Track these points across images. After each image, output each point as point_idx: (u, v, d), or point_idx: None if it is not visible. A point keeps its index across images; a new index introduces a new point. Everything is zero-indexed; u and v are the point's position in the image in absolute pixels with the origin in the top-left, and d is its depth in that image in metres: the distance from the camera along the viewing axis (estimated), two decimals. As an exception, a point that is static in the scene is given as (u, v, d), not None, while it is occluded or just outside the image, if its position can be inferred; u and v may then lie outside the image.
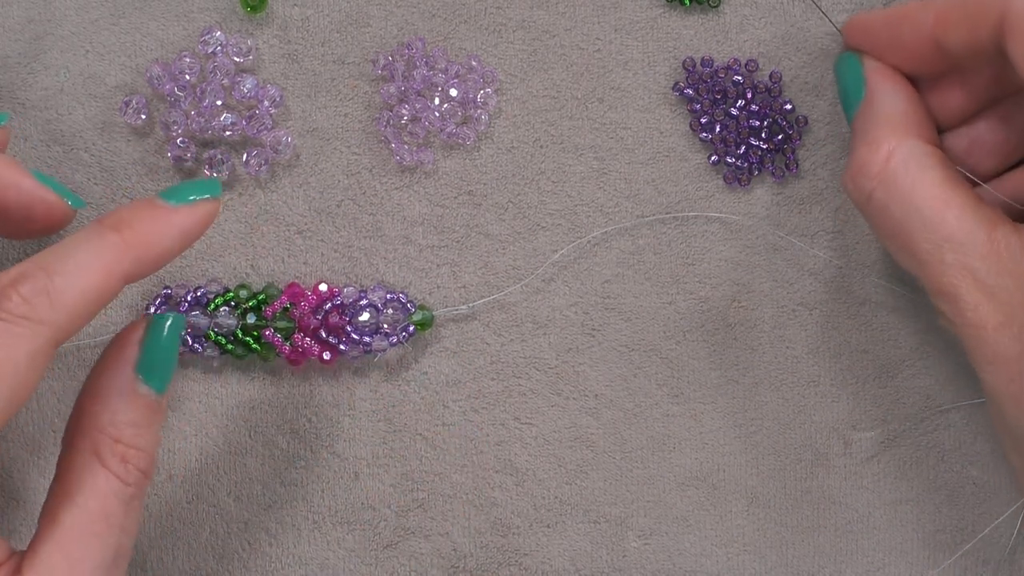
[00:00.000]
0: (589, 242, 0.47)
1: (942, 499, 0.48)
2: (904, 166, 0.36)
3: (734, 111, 0.47)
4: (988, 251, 0.35)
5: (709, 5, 0.48)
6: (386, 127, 0.47)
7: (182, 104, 0.47)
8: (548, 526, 0.47)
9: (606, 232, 0.48)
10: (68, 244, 0.33)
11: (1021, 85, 0.39)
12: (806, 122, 0.48)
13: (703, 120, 0.47)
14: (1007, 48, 0.34)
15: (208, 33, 0.47)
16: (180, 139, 0.47)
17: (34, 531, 0.34)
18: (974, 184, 0.40)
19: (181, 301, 0.46)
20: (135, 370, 0.35)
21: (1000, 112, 0.41)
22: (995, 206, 0.38)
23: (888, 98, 0.38)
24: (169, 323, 0.36)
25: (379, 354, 0.47)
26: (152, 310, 0.46)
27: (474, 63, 0.47)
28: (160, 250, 0.35)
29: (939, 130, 0.41)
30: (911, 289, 0.48)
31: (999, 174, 0.41)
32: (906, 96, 0.39)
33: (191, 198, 0.36)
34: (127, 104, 0.47)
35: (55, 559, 0.33)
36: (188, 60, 0.47)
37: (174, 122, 0.47)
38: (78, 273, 0.33)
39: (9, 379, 0.31)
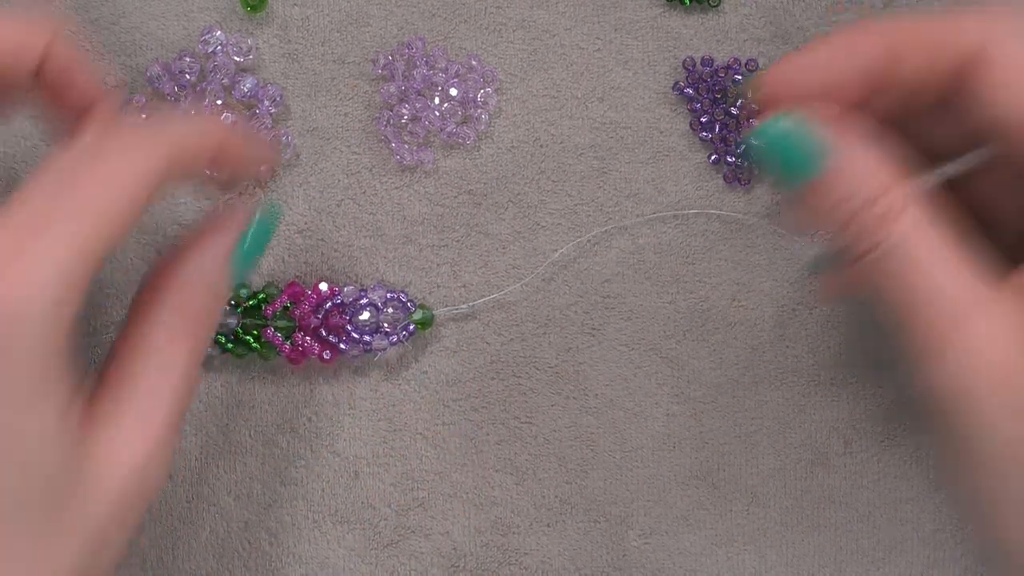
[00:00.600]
0: (589, 241, 0.48)
1: (942, 499, 0.48)
2: (913, 218, 0.33)
3: (734, 111, 0.47)
4: (985, 313, 0.32)
5: (709, 5, 0.48)
6: (386, 127, 0.47)
7: (182, 104, 0.47)
8: (548, 525, 0.47)
9: (606, 231, 0.48)
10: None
11: (972, 126, 0.35)
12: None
13: (703, 120, 0.47)
14: (977, 88, 0.32)
15: (208, 33, 0.47)
16: (180, 139, 0.47)
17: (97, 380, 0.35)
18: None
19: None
20: (229, 252, 0.37)
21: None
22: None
23: (865, 149, 0.34)
24: (268, 221, 0.38)
25: (379, 353, 0.47)
26: None
27: (474, 63, 0.47)
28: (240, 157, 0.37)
29: None
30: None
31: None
32: (878, 144, 0.34)
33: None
34: (127, 104, 0.47)
35: (127, 413, 0.34)
36: (188, 60, 0.47)
37: (174, 122, 0.47)
38: (187, 118, 0.35)
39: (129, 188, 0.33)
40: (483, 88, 0.47)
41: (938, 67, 0.32)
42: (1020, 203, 0.38)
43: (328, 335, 0.46)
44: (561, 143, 0.48)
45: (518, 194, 0.48)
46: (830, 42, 0.33)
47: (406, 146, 0.47)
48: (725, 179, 0.48)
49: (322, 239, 0.47)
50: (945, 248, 0.33)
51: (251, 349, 0.46)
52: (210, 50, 0.47)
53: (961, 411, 0.33)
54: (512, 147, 0.48)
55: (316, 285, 0.46)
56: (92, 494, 0.33)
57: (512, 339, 0.47)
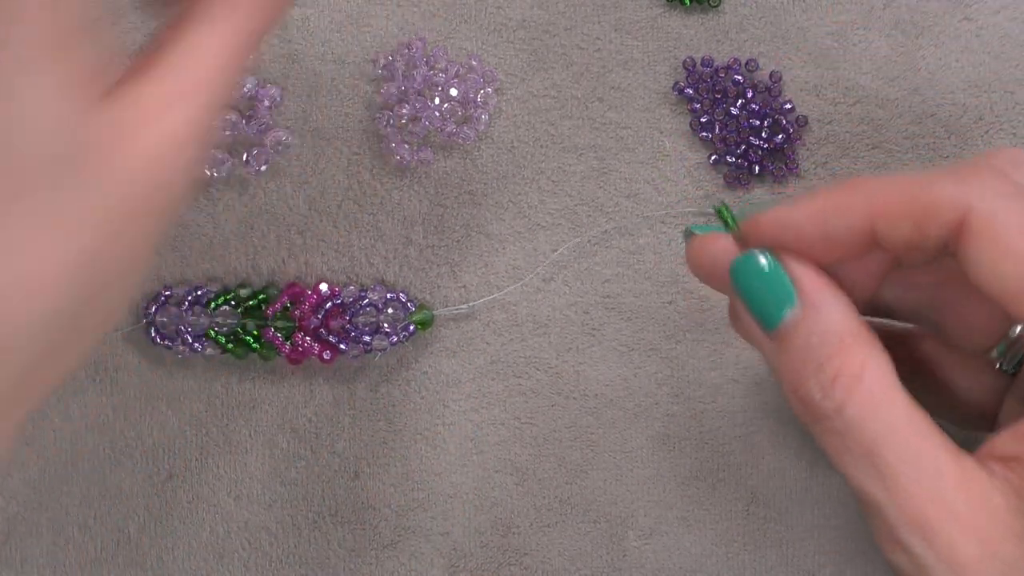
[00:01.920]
0: (589, 240, 0.47)
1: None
2: (882, 383, 0.32)
3: (734, 111, 0.47)
4: (958, 483, 0.31)
5: (709, 5, 0.48)
6: (386, 127, 0.47)
7: (182, 104, 0.47)
8: (548, 526, 0.47)
9: (606, 231, 0.48)
10: None
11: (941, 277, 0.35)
12: (806, 122, 0.48)
13: (703, 120, 0.47)
14: (963, 252, 0.31)
15: (208, 33, 0.47)
16: (180, 139, 0.47)
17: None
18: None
19: (181, 301, 0.46)
20: None
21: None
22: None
23: (838, 303, 0.33)
24: None
25: (379, 354, 0.47)
26: (153, 309, 0.46)
27: (474, 63, 0.47)
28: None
29: None
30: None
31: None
32: (848, 302, 0.34)
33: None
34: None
35: (153, 88, 0.31)
36: (188, 60, 0.47)
37: (174, 122, 0.47)
38: None
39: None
40: (483, 88, 0.47)
41: (924, 235, 0.31)
42: (974, 379, 0.37)
43: (328, 335, 0.46)
44: (561, 143, 0.48)
45: (518, 194, 0.48)
46: (818, 200, 0.33)
47: (406, 146, 0.47)
48: (725, 180, 0.48)
49: (322, 239, 0.47)
50: (908, 419, 0.32)
51: (251, 349, 0.46)
52: (210, 50, 0.47)
53: None
54: (512, 147, 0.48)
55: (316, 285, 0.46)
56: (109, 163, 0.29)
57: (512, 339, 0.47)
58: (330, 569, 0.47)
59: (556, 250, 0.47)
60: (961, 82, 0.49)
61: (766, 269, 0.33)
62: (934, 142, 0.48)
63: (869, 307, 0.37)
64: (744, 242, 0.33)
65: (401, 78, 0.47)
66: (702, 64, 0.48)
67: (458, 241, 0.47)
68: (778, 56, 0.48)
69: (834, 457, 0.33)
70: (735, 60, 0.48)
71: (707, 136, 0.47)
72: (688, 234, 0.34)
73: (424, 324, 0.46)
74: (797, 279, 0.33)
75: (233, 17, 0.31)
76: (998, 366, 0.35)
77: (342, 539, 0.47)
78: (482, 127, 0.48)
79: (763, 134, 0.47)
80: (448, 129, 0.47)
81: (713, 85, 0.47)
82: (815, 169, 0.48)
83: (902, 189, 0.31)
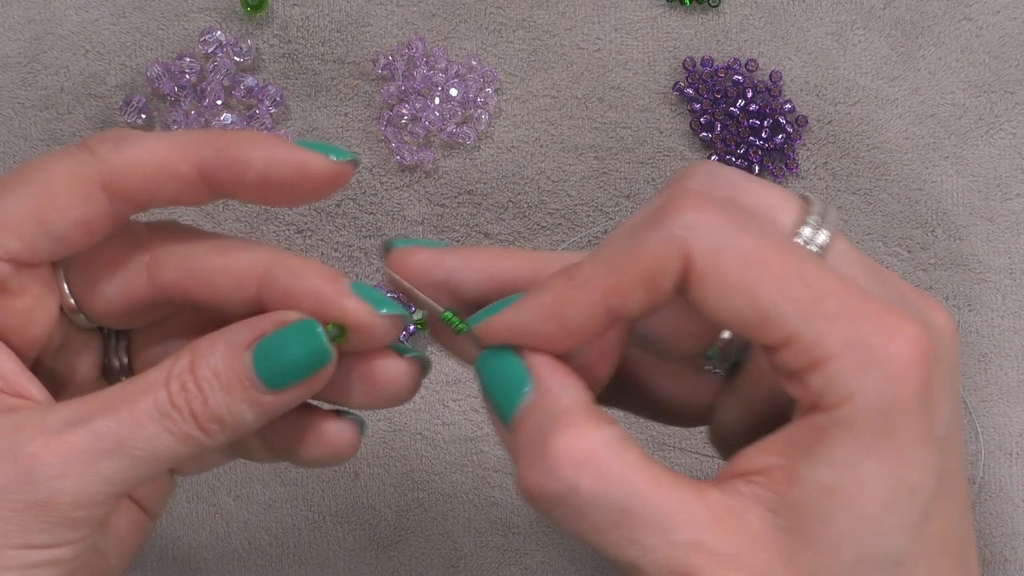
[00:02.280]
0: (589, 241, 0.47)
1: (942, 499, 0.48)
2: (610, 450, 0.32)
3: (734, 111, 0.47)
4: (709, 519, 0.31)
5: (709, 5, 0.48)
6: (386, 127, 0.47)
7: (182, 104, 0.47)
8: (548, 526, 0.47)
9: (605, 229, 0.48)
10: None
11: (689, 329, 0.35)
12: (806, 122, 0.48)
13: (703, 120, 0.47)
14: (694, 295, 0.31)
15: (208, 33, 0.47)
16: (180, 139, 0.47)
17: None
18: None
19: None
20: (253, 341, 0.32)
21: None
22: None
23: (568, 387, 0.33)
24: (308, 335, 0.32)
25: (379, 354, 0.47)
26: None
27: (474, 63, 0.47)
28: (254, 166, 0.32)
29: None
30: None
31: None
32: (579, 384, 0.33)
33: (320, 150, 0.33)
34: (127, 104, 0.47)
35: (63, 407, 0.31)
36: (188, 60, 0.47)
37: (174, 122, 0.47)
38: (158, 139, 0.32)
39: (42, 187, 0.32)
40: (483, 88, 0.47)
41: (658, 296, 0.31)
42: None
43: (328, 335, 0.46)
44: (561, 143, 0.48)
45: (518, 195, 0.48)
46: (546, 298, 0.32)
47: (406, 146, 0.47)
48: (725, 179, 0.48)
49: (322, 239, 0.47)
50: (646, 479, 0.31)
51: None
52: (210, 50, 0.47)
53: None
54: (512, 147, 0.48)
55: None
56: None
57: (512, 339, 0.47)
58: (330, 569, 0.47)
59: (555, 250, 0.47)
60: (961, 82, 0.49)
61: (501, 364, 0.33)
62: (934, 142, 0.48)
63: None
64: (482, 343, 0.33)
65: (401, 78, 0.47)
66: (702, 64, 0.48)
67: (458, 241, 0.47)
68: (778, 56, 0.48)
69: (582, 537, 0.32)
70: (735, 60, 0.48)
71: (707, 136, 0.47)
72: (388, 247, 0.34)
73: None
74: (531, 367, 0.33)
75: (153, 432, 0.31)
76: (712, 368, 0.35)
77: (342, 539, 0.47)
78: (482, 127, 0.48)
79: (763, 134, 0.47)
80: (448, 129, 0.47)
81: (713, 85, 0.47)
82: (815, 169, 0.48)
83: (623, 265, 0.31)
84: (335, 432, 0.35)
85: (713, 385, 0.36)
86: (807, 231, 0.31)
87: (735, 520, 0.31)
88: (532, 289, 0.32)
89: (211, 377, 0.32)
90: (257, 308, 0.33)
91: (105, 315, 0.34)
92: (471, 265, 0.34)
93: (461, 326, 0.33)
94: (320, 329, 0.32)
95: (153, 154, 0.32)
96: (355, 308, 0.32)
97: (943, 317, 0.32)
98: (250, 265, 0.33)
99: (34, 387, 0.33)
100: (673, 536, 0.31)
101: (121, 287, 0.34)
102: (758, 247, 0.29)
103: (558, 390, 0.32)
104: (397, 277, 0.33)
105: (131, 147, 0.32)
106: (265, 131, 0.47)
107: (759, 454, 0.31)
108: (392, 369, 0.34)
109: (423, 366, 0.34)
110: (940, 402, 0.30)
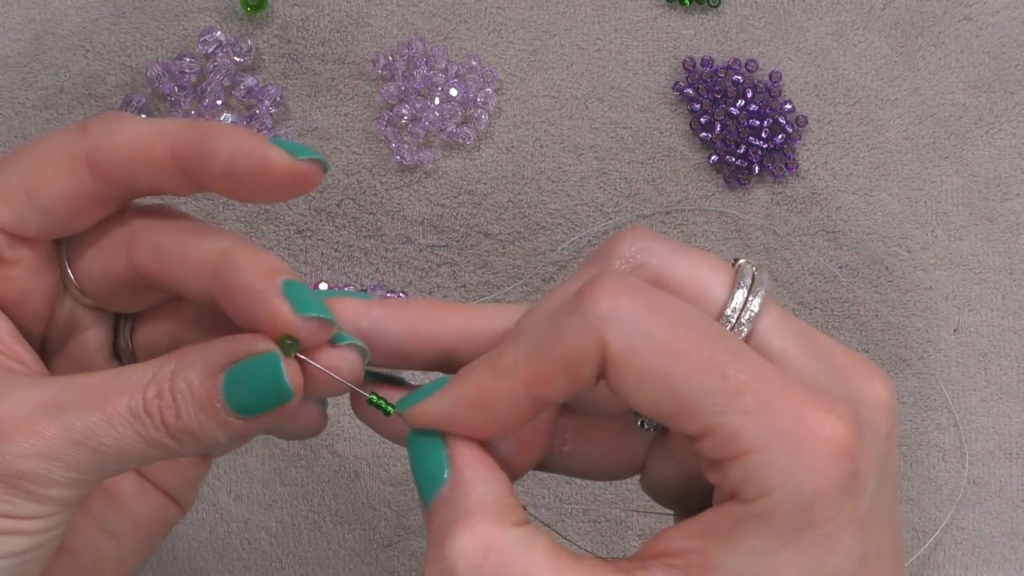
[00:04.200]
0: (588, 239, 0.47)
1: (942, 498, 0.48)
2: (511, 555, 0.31)
3: (734, 111, 0.47)
4: None
5: (709, 5, 0.48)
6: (386, 127, 0.47)
7: (182, 104, 0.47)
8: (548, 526, 0.47)
9: (605, 227, 0.48)
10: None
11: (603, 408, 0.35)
12: (806, 122, 0.48)
13: (703, 120, 0.47)
14: (613, 384, 0.30)
15: (208, 33, 0.47)
16: (180, 139, 0.47)
17: None
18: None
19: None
20: (225, 367, 0.32)
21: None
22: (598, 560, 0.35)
23: (481, 482, 0.33)
24: (269, 368, 0.32)
25: (379, 354, 0.47)
26: None
27: (474, 63, 0.47)
28: (220, 156, 0.32)
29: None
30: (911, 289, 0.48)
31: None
32: (497, 479, 0.33)
33: (289, 149, 0.33)
34: (127, 104, 0.47)
35: (37, 391, 0.31)
36: (188, 60, 0.47)
37: (174, 122, 0.47)
38: (144, 124, 0.33)
39: (36, 161, 0.32)
40: (483, 88, 0.47)
41: (580, 382, 0.31)
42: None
43: (328, 335, 0.46)
44: (561, 143, 0.48)
45: (518, 194, 0.48)
46: (468, 389, 0.32)
47: (406, 146, 0.47)
48: (725, 179, 0.48)
49: (322, 239, 0.47)
50: (556, 564, 0.31)
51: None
52: (210, 50, 0.47)
53: None
54: (512, 147, 0.48)
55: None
56: None
57: (512, 339, 0.47)
58: (330, 569, 0.47)
59: (555, 250, 0.47)
60: (961, 82, 0.49)
61: (425, 449, 0.33)
62: (934, 142, 0.48)
63: None
64: (410, 425, 0.33)
65: (401, 78, 0.47)
66: (702, 64, 0.48)
67: (458, 241, 0.47)
68: (778, 56, 0.48)
69: None
70: (735, 60, 0.48)
71: (707, 136, 0.47)
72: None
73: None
74: (451, 456, 0.32)
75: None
76: (641, 424, 0.35)
77: (342, 539, 0.47)
78: (482, 127, 0.48)
79: (763, 134, 0.47)
80: (448, 129, 0.47)
81: (713, 85, 0.47)
82: (815, 169, 0.48)
83: (543, 354, 0.30)
84: (304, 411, 0.34)
85: (644, 440, 0.35)
86: (737, 301, 0.31)
87: None
88: (457, 376, 0.32)
89: (187, 392, 0.32)
90: (208, 294, 0.33)
91: (94, 294, 0.35)
92: (397, 318, 0.33)
93: (389, 409, 0.33)
94: (281, 365, 0.31)
95: (135, 136, 0.32)
96: (278, 310, 0.32)
97: (877, 387, 0.32)
98: (206, 255, 0.33)
99: (25, 352, 0.33)
100: None
101: (103, 266, 0.34)
102: (675, 337, 0.29)
103: (470, 484, 0.32)
104: (315, 363, 0.32)
105: (118, 128, 0.32)
106: (265, 131, 0.47)
107: (678, 536, 0.31)
108: (325, 361, 0.33)
109: (361, 354, 0.33)
110: (864, 484, 0.29)
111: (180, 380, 0.31)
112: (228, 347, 0.32)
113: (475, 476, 0.33)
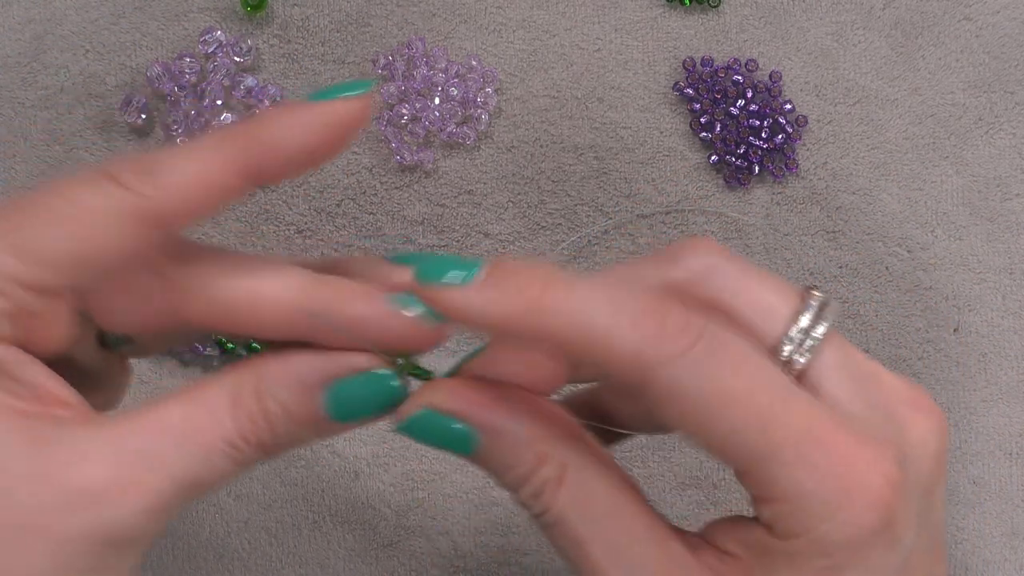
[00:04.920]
0: (589, 241, 0.48)
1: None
2: (580, 483, 0.32)
3: (734, 111, 0.47)
4: (666, 571, 0.31)
5: (709, 5, 0.48)
6: (386, 127, 0.47)
7: (182, 104, 0.47)
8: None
9: (605, 228, 0.48)
10: (194, 140, 0.31)
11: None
12: (806, 122, 0.48)
13: (703, 120, 0.47)
14: (648, 398, 0.30)
15: (208, 33, 0.47)
16: (180, 139, 0.47)
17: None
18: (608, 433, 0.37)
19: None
20: (325, 381, 0.32)
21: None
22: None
23: (519, 426, 0.32)
24: (382, 387, 0.32)
25: (379, 354, 0.47)
26: None
27: (474, 63, 0.47)
28: (291, 144, 0.31)
29: None
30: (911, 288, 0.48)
31: None
32: (537, 415, 0.33)
33: (334, 95, 0.31)
34: (127, 104, 0.47)
35: (129, 438, 0.30)
36: (188, 60, 0.47)
37: (174, 122, 0.47)
38: (190, 158, 0.30)
39: (78, 223, 0.29)
40: (483, 88, 0.47)
41: (608, 375, 0.31)
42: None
43: (328, 335, 0.46)
44: (561, 143, 0.48)
45: (518, 194, 0.48)
46: (492, 359, 0.33)
47: (406, 146, 0.47)
48: (725, 180, 0.48)
49: (322, 239, 0.47)
50: (612, 514, 0.32)
51: (252, 350, 0.46)
52: (210, 50, 0.47)
53: None
54: (512, 147, 0.48)
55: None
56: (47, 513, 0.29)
57: (512, 339, 0.47)
58: (330, 569, 0.47)
59: (555, 249, 0.47)
60: (961, 82, 0.49)
61: (431, 423, 0.32)
62: (934, 142, 0.48)
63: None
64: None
65: (401, 78, 0.47)
66: (702, 64, 0.48)
67: (458, 241, 0.47)
68: (778, 56, 0.48)
69: (556, 550, 0.33)
70: (735, 60, 0.48)
71: (707, 136, 0.47)
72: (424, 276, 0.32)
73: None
74: (469, 418, 0.32)
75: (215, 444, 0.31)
76: None
77: (342, 539, 0.47)
78: (482, 127, 0.48)
79: (763, 134, 0.47)
80: (448, 129, 0.47)
81: (713, 85, 0.47)
82: (815, 169, 0.48)
83: (576, 329, 0.30)
84: None
85: None
86: (802, 324, 0.31)
87: (683, 567, 0.31)
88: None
89: (280, 413, 0.31)
90: (294, 335, 0.32)
91: (120, 331, 0.34)
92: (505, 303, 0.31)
93: (423, 373, 0.33)
94: (395, 379, 0.32)
95: (196, 178, 0.30)
96: (403, 328, 0.32)
97: (927, 425, 0.32)
98: (282, 295, 0.31)
99: (66, 392, 0.31)
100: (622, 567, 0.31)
101: (136, 317, 0.33)
102: (726, 381, 0.29)
103: (512, 428, 0.32)
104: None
105: (168, 175, 0.30)
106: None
107: (731, 538, 0.32)
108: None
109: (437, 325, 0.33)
110: (898, 537, 0.30)
111: (270, 401, 0.31)
112: (324, 365, 0.31)
113: (510, 423, 0.32)
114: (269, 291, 0.31)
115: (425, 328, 0.32)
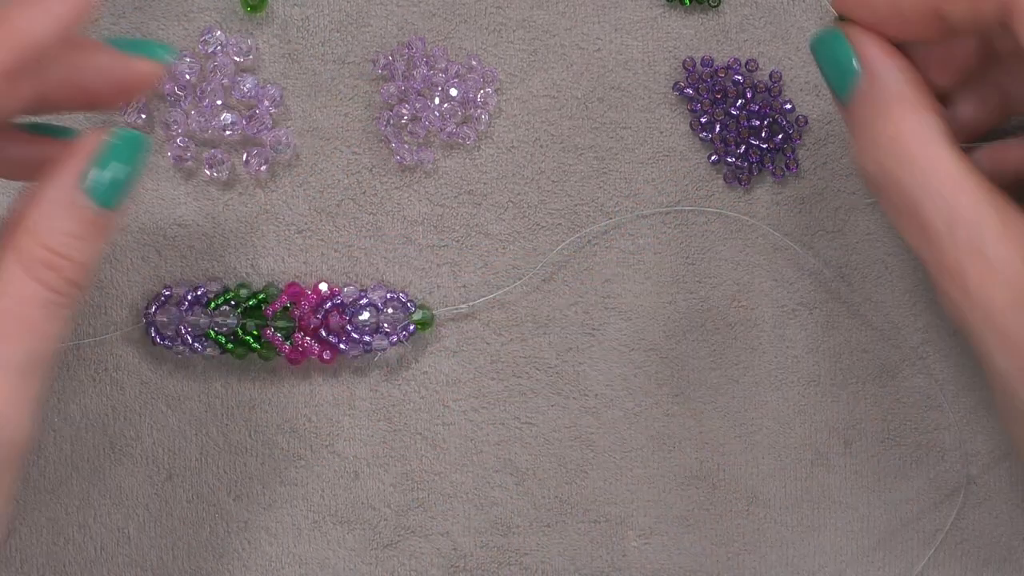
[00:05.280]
0: (588, 238, 0.48)
1: (942, 499, 0.48)
2: (919, 140, 0.36)
3: (734, 111, 0.47)
4: (1001, 233, 0.34)
5: (709, 5, 0.48)
6: (386, 127, 0.47)
7: (182, 104, 0.47)
8: (548, 526, 0.47)
9: (605, 227, 0.48)
10: None
11: (1007, 50, 0.39)
12: (806, 122, 0.48)
13: (703, 120, 0.47)
14: (1015, 29, 0.34)
15: (208, 33, 0.47)
16: (180, 139, 0.47)
17: None
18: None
19: (181, 300, 0.46)
20: (79, 183, 0.35)
21: (986, 84, 0.41)
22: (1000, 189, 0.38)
23: (892, 69, 0.37)
24: (133, 145, 0.36)
25: (379, 353, 0.47)
26: (153, 309, 0.46)
27: (474, 63, 0.47)
28: (32, 38, 0.34)
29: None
30: (912, 289, 0.48)
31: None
32: (907, 68, 0.37)
33: (141, 51, 0.37)
34: (127, 103, 0.47)
35: None
36: (188, 60, 0.47)
37: (174, 122, 0.47)
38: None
39: None
40: (483, 88, 0.47)
41: (979, 11, 0.34)
42: None
43: (328, 335, 0.46)
44: (561, 143, 0.48)
45: (518, 194, 0.48)
46: None
47: (406, 146, 0.47)
48: (725, 180, 0.48)
49: (322, 239, 0.47)
50: (948, 175, 0.35)
51: (251, 349, 0.46)
52: (210, 50, 0.47)
53: (979, 331, 0.35)
54: (512, 147, 0.48)
55: (316, 285, 0.46)
56: None
57: (512, 339, 0.47)
58: (330, 569, 0.47)
59: (555, 250, 0.47)
60: (961, 82, 0.49)
61: (834, 41, 0.38)
62: (934, 142, 0.48)
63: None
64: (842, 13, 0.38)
65: (401, 78, 0.47)
66: (702, 64, 0.48)
67: (458, 241, 0.47)
68: (778, 56, 0.48)
69: (892, 221, 0.37)
70: (735, 60, 0.48)
71: (707, 136, 0.47)
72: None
73: (424, 324, 0.46)
74: (860, 50, 0.37)
75: (36, 283, 0.34)
76: None
77: (342, 539, 0.47)
78: (482, 127, 0.48)
79: (763, 134, 0.47)
80: (448, 129, 0.47)
81: (713, 85, 0.47)
82: (815, 169, 0.48)
83: None
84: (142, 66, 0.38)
85: None
86: None
87: (1022, 238, 0.33)
88: None
89: (67, 240, 0.34)
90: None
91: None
92: None
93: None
94: (123, 131, 0.36)
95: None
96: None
97: None
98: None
99: None
100: (958, 240, 0.34)
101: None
102: None
103: (886, 69, 0.37)
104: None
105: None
106: (265, 131, 0.47)
107: None
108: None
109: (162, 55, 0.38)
110: None
111: (54, 237, 0.35)
112: (67, 167, 0.35)
113: (886, 63, 0.37)
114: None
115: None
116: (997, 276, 0.34)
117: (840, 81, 0.38)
